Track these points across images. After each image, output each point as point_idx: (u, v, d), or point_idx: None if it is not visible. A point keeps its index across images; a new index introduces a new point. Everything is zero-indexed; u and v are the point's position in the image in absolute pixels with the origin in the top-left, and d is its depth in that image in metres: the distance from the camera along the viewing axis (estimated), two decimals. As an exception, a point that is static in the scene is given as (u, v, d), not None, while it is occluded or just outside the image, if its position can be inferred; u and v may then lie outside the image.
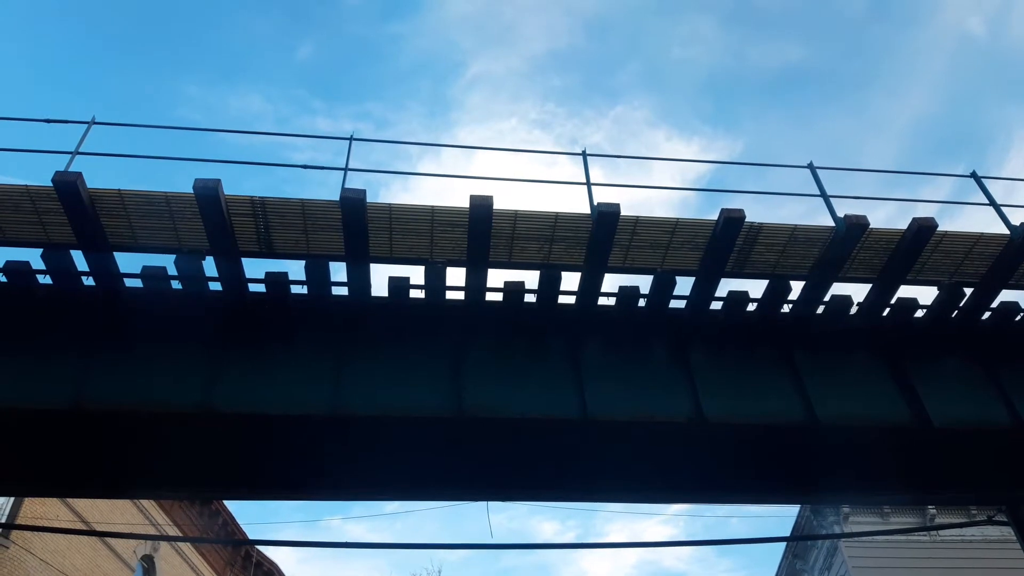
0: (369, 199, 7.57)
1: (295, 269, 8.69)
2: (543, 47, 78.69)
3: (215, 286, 8.21)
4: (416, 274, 8.35)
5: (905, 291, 8.83)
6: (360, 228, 7.70)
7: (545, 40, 76.04)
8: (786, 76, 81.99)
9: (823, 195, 8.65)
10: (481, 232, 7.78)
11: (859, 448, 9.00)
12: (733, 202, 9.41)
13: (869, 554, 17.16)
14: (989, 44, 70.95)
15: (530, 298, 8.52)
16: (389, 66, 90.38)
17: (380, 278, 9.26)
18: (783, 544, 20.47)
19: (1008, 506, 10.87)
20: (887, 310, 8.90)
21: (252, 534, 24.68)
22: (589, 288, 8.42)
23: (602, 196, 8.09)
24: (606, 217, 7.78)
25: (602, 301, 8.62)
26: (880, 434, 8.65)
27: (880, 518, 17.43)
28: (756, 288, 8.68)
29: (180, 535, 21.41)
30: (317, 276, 8.16)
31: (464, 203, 7.74)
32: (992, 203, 8.87)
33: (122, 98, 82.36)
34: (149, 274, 8.07)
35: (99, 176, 7.48)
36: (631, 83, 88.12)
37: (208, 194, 7.34)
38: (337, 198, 7.58)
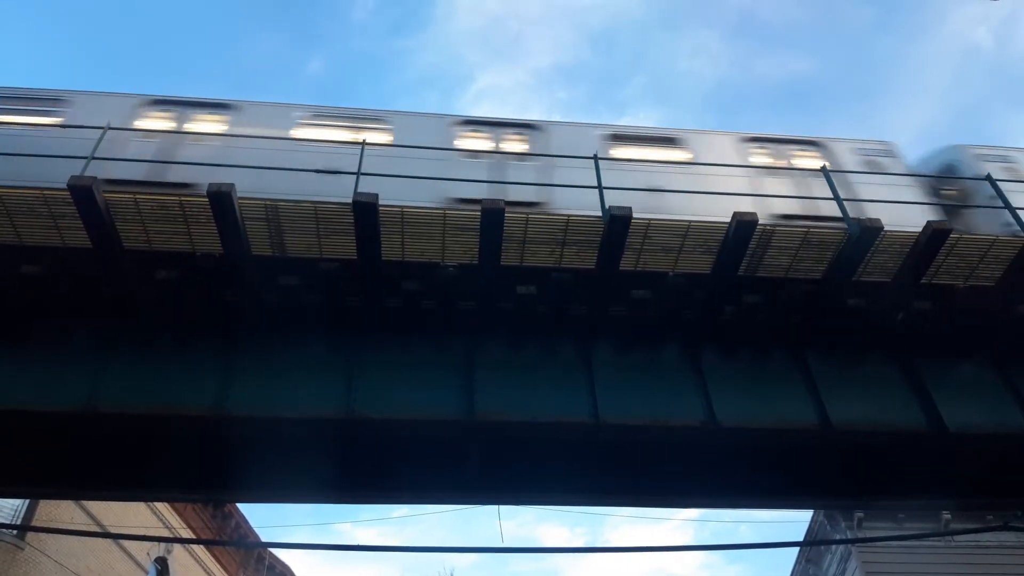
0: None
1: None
2: (549, 60, 78.71)
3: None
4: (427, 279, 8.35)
5: (919, 294, 8.75)
6: (372, 231, 7.72)
7: (551, 54, 76.03)
8: (791, 87, 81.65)
9: (836, 198, 8.60)
10: (493, 235, 7.79)
11: (873, 453, 8.92)
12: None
13: (883, 559, 16.96)
14: (996, 54, 70.48)
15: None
16: (397, 79, 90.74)
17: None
18: (794, 550, 20.34)
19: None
20: (900, 313, 8.82)
21: (264, 537, 24.70)
22: (600, 292, 8.40)
23: (614, 200, 8.10)
24: (618, 221, 7.76)
25: (614, 305, 8.60)
26: (894, 439, 8.57)
27: (894, 523, 17.24)
28: (769, 291, 8.63)
29: (193, 537, 21.46)
30: (330, 282, 8.20)
31: (475, 206, 7.75)
32: (1007, 206, 8.79)
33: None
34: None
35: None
36: (637, 95, 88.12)
37: (221, 198, 7.38)
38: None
